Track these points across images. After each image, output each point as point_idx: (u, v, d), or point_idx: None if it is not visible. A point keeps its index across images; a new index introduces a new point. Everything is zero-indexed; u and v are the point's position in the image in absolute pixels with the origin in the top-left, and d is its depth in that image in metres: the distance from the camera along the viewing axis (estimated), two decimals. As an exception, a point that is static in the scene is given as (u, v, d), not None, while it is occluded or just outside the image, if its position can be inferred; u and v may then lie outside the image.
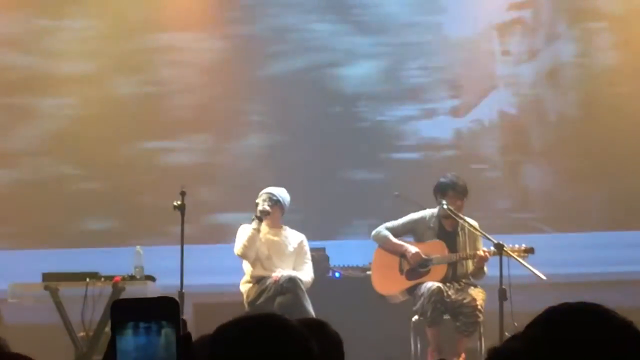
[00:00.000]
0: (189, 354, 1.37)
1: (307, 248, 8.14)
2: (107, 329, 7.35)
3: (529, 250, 7.59)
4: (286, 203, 8.04)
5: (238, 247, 7.92)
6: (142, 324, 1.35)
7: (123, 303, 1.37)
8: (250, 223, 8.00)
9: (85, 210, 9.94)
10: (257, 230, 7.93)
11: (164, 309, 1.36)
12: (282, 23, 10.19)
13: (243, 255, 7.92)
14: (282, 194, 8.05)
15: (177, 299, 1.39)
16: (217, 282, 8.90)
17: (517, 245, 7.60)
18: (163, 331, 1.35)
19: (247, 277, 7.97)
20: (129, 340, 1.34)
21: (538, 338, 1.86)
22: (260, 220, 7.93)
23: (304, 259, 8.08)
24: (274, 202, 7.97)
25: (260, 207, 7.94)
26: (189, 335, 1.38)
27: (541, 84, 10.08)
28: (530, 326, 1.91)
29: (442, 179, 7.97)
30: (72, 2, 10.17)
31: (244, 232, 7.95)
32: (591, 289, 8.65)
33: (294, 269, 7.95)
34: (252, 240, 7.89)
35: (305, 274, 7.94)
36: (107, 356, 1.39)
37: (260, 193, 8.06)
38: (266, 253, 7.94)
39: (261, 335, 2.02)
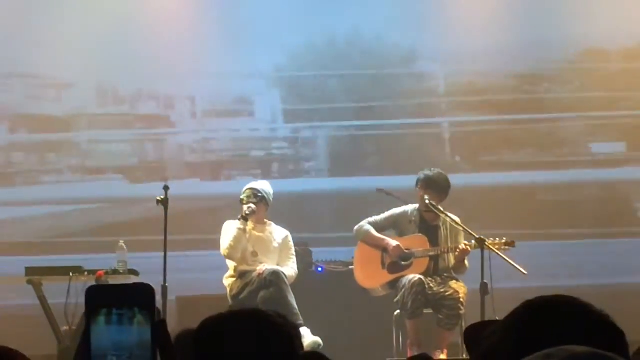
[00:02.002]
0: (165, 340, 1.36)
1: (291, 244, 8.14)
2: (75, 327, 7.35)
3: (510, 244, 7.63)
4: (271, 197, 8.03)
5: (224, 247, 7.89)
6: (115, 311, 1.34)
7: (97, 289, 1.36)
8: (233, 220, 8.01)
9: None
10: (243, 230, 7.92)
11: (139, 296, 1.35)
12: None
13: (229, 257, 7.91)
14: (266, 188, 8.04)
15: (152, 287, 1.38)
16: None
17: (497, 239, 7.65)
18: (136, 318, 1.34)
19: (230, 272, 7.97)
20: (101, 326, 1.33)
21: (516, 331, 1.87)
22: (246, 220, 7.92)
23: (288, 254, 8.09)
24: (260, 198, 7.96)
25: (246, 208, 7.91)
26: (163, 321, 1.36)
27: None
28: (507, 319, 1.92)
29: (424, 173, 8.00)
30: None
31: (229, 231, 7.94)
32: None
33: (278, 264, 7.95)
34: (238, 241, 7.87)
35: (289, 269, 7.95)
36: (80, 344, 1.38)
37: (244, 189, 8.05)
38: (251, 249, 7.94)
39: (245, 332, 2.03)
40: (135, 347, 1.33)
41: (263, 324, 2.07)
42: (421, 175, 8.00)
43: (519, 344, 1.80)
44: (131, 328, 1.34)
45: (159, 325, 1.35)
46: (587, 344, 1.60)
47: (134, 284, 1.37)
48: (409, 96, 10.00)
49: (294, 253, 8.14)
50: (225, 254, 7.91)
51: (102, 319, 1.34)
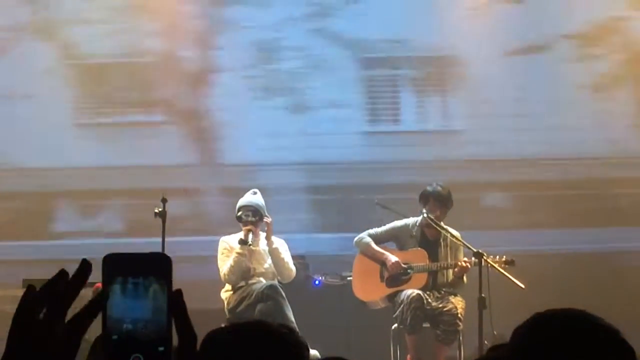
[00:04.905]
0: (181, 309, 1.36)
1: (285, 248, 8.02)
2: (87, 336, 7.32)
3: (510, 262, 7.61)
4: (265, 211, 8.00)
5: (224, 272, 7.82)
6: (131, 279, 1.33)
7: (114, 257, 1.35)
8: (228, 235, 7.99)
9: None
10: (243, 254, 7.85)
11: (155, 265, 1.35)
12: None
13: (229, 282, 7.86)
14: (260, 202, 7.96)
15: (169, 256, 1.38)
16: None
17: (497, 257, 7.63)
18: (152, 287, 1.33)
19: (227, 286, 7.94)
20: (117, 295, 1.33)
21: (525, 345, 1.86)
22: (245, 244, 7.83)
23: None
24: (258, 216, 7.89)
25: (246, 233, 7.81)
26: (179, 290, 1.37)
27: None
28: (516, 333, 1.91)
29: (427, 188, 7.99)
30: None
31: (228, 252, 7.87)
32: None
33: (273, 271, 7.93)
34: (238, 266, 7.81)
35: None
36: (89, 313, 1.36)
37: (239, 205, 7.94)
38: (248, 265, 7.88)
39: (253, 344, 2.01)
40: (151, 317, 1.33)
41: (270, 335, 2.05)
42: (423, 189, 7.99)
43: (529, 356, 1.79)
44: (147, 297, 1.33)
45: (175, 295, 1.34)
46: (597, 358, 1.58)
47: (151, 253, 1.36)
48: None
49: (290, 258, 8.01)
50: (225, 281, 7.86)
51: (117, 287, 1.33)
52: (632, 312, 8.10)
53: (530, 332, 1.86)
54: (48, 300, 1.33)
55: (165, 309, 1.34)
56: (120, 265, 1.34)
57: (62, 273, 1.35)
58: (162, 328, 1.33)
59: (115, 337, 1.33)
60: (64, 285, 1.34)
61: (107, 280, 1.34)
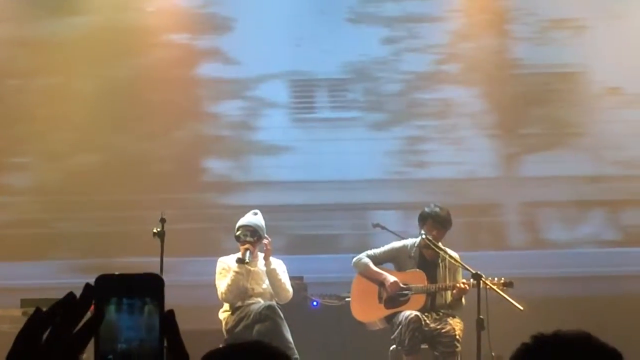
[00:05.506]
0: (173, 329, 1.35)
1: (283, 268, 8.00)
2: (85, 355, 7.30)
3: (508, 284, 7.60)
4: (264, 232, 7.99)
5: (222, 291, 7.82)
6: (125, 300, 1.34)
7: (107, 278, 1.36)
8: (226, 256, 7.98)
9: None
10: (241, 273, 7.85)
11: (149, 286, 1.35)
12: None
13: (227, 301, 7.86)
14: (260, 222, 7.97)
15: (162, 277, 1.38)
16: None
17: (496, 279, 7.62)
18: (146, 308, 1.34)
19: (226, 306, 7.93)
20: (112, 315, 1.33)
21: None
22: (243, 263, 7.83)
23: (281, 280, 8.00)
24: (257, 237, 7.89)
25: (243, 252, 7.82)
26: (171, 311, 1.37)
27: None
28: (517, 355, 1.90)
29: (425, 209, 7.99)
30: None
31: (226, 272, 7.87)
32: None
33: (271, 292, 7.91)
34: (235, 285, 7.80)
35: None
36: (86, 333, 1.36)
37: (239, 224, 7.94)
38: (245, 285, 7.89)
39: None
40: (145, 336, 1.34)
41: (268, 356, 2.05)
42: (421, 210, 7.99)
43: None
44: (141, 317, 1.34)
45: (167, 315, 1.34)
46: None
47: (143, 273, 1.36)
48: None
49: (288, 278, 7.99)
50: (223, 300, 7.86)
51: (112, 307, 1.34)
52: (634, 335, 8.09)
53: (532, 354, 1.85)
54: (53, 321, 1.33)
55: (158, 328, 1.34)
56: (114, 286, 1.35)
57: (70, 296, 1.35)
58: (155, 348, 1.34)
59: (110, 357, 1.33)
60: (71, 307, 1.33)
61: (102, 300, 1.34)
